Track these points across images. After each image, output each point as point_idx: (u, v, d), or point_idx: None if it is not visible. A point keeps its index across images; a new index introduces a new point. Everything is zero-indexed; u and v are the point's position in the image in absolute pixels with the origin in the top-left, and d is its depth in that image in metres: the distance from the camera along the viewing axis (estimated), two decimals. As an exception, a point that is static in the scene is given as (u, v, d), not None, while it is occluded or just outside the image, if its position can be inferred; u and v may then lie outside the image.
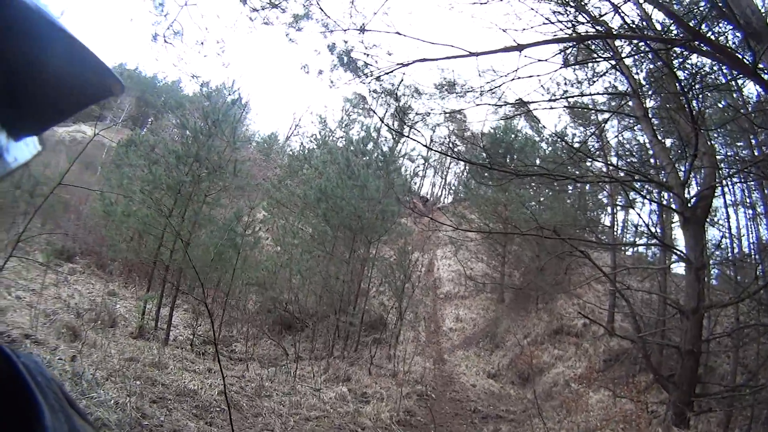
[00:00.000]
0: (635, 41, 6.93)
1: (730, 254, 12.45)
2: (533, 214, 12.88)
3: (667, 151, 9.06)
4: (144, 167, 14.22)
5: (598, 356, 13.49)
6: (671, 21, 6.55)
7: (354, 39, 8.14)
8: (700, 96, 7.64)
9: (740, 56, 4.98)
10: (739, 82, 8.11)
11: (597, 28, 6.96)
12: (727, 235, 12.71)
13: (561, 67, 7.62)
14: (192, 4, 7.32)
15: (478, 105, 8.52)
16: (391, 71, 7.28)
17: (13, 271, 11.00)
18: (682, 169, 8.14)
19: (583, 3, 7.17)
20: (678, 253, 8.13)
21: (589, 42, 7.86)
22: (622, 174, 9.83)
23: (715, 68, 7.59)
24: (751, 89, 9.20)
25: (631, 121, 11.71)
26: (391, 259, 16.26)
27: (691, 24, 5.70)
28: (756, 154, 10.36)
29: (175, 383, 7.35)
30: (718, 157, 9.17)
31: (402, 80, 10.35)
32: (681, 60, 7.56)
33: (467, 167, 29.23)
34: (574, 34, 6.56)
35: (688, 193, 8.28)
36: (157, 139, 18.25)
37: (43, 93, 0.54)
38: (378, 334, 15.72)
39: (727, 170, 9.58)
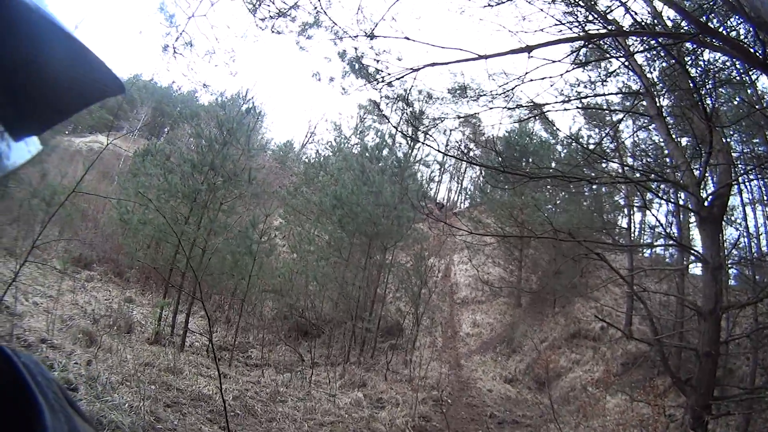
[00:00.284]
0: (645, 38, 6.87)
1: (747, 253, 12.22)
2: (548, 217, 12.78)
3: (681, 149, 8.93)
4: (160, 176, 14.40)
5: (616, 360, 13.31)
6: (681, 17, 6.48)
7: (364, 45, 8.14)
8: (714, 92, 7.53)
9: (752, 50, 4.90)
10: (753, 76, 7.99)
11: (608, 27, 6.91)
12: (744, 233, 12.50)
13: (572, 68, 7.57)
14: (200, 15, 7.39)
15: (491, 108, 8.42)
16: (402, 76, 7.28)
17: (31, 277, 11.21)
18: (698, 167, 8.00)
19: (593, 2, 7.13)
20: (694, 253, 8.00)
21: (601, 41, 7.80)
22: (637, 174, 9.72)
23: (728, 63, 7.47)
24: (765, 84, 9.07)
25: (646, 121, 11.57)
26: (408, 265, 16.25)
27: (702, 19, 5.64)
28: (772, 149, 10.22)
29: (190, 388, 7.39)
30: (733, 154, 9.03)
31: (413, 85, 10.33)
32: (693, 57, 7.47)
33: (482, 171, 29.08)
34: (583, 33, 6.52)
35: (705, 191, 8.15)
36: (173, 148, 18.46)
37: (44, 93, 0.54)
38: (394, 340, 15.69)
39: (743, 167, 9.41)
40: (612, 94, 10.63)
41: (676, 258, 14.52)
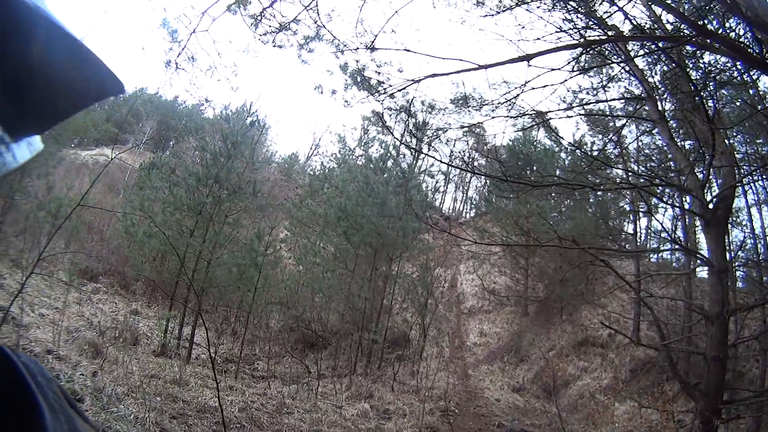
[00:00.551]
0: (645, 42, 6.88)
1: (754, 255, 12.12)
2: (552, 224, 12.74)
3: (684, 153, 8.91)
4: (165, 189, 14.50)
5: (624, 366, 13.19)
6: (679, 21, 6.50)
7: (365, 58, 8.21)
8: (715, 95, 7.53)
9: (751, 50, 4.91)
10: (754, 77, 7.99)
11: (607, 33, 6.94)
12: (750, 235, 12.41)
13: (573, 75, 7.58)
14: (202, 31, 7.46)
15: (493, 118, 8.43)
16: (404, 88, 7.31)
17: (37, 288, 11.26)
18: (701, 170, 7.98)
19: (592, 9, 7.16)
20: (700, 256, 7.96)
21: (601, 48, 7.83)
22: (641, 180, 9.69)
23: (728, 65, 7.48)
24: (767, 84, 9.07)
25: (649, 126, 11.57)
26: (414, 276, 16.22)
27: (701, 22, 5.65)
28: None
29: (196, 400, 7.38)
30: (737, 156, 8.99)
31: (414, 97, 10.37)
32: (694, 60, 7.48)
33: (487, 181, 29.10)
34: (582, 40, 6.55)
35: (710, 194, 8.14)
36: (178, 161, 18.59)
37: (43, 93, 0.54)
38: (401, 351, 15.64)
39: (747, 169, 9.37)
40: (614, 99, 10.64)
41: (683, 262, 14.42)
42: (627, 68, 8.42)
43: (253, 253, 13.12)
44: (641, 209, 14.14)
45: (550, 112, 9.07)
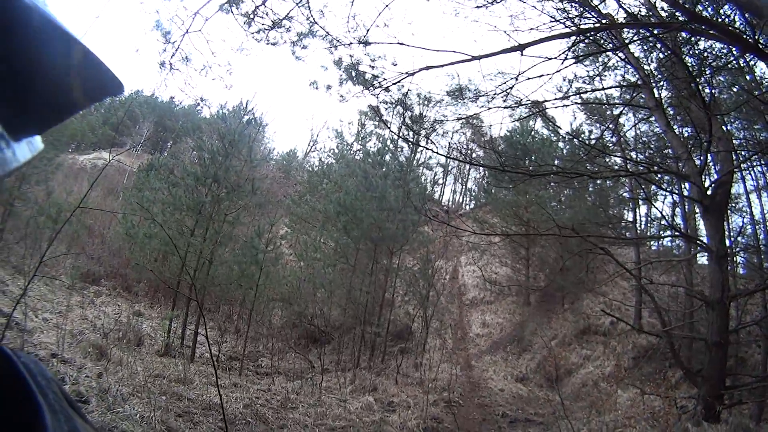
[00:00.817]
0: (639, 30, 6.88)
1: (753, 241, 12.11)
2: (552, 214, 12.75)
3: (682, 139, 8.92)
4: (164, 190, 14.50)
5: (627, 354, 13.22)
6: (673, 8, 6.49)
7: (359, 52, 8.19)
8: (712, 81, 7.53)
9: (744, 35, 4.91)
10: (750, 63, 7.98)
11: (601, 21, 6.94)
12: (749, 221, 12.41)
13: (567, 64, 7.60)
14: (195, 31, 7.44)
15: (489, 108, 8.43)
16: (398, 81, 7.32)
17: (40, 293, 11.29)
18: (699, 156, 7.98)
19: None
20: (699, 243, 7.98)
21: (596, 36, 7.82)
22: (641, 167, 9.70)
23: (724, 51, 7.47)
24: (763, 69, 9.05)
25: (646, 113, 11.54)
26: (415, 268, 16.22)
27: (695, 9, 5.65)
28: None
29: (201, 398, 7.43)
30: (735, 141, 8.99)
31: (410, 90, 10.34)
32: (689, 47, 7.47)
33: (486, 172, 29.04)
34: (575, 29, 6.55)
35: (709, 180, 8.14)
36: (176, 162, 18.57)
37: (43, 93, 0.54)
38: (404, 344, 15.65)
39: (745, 154, 9.35)
40: (610, 87, 10.63)
41: (683, 249, 14.43)
42: (622, 56, 8.42)
43: (254, 250, 13.13)
44: (640, 197, 14.18)
45: (546, 101, 9.08)
